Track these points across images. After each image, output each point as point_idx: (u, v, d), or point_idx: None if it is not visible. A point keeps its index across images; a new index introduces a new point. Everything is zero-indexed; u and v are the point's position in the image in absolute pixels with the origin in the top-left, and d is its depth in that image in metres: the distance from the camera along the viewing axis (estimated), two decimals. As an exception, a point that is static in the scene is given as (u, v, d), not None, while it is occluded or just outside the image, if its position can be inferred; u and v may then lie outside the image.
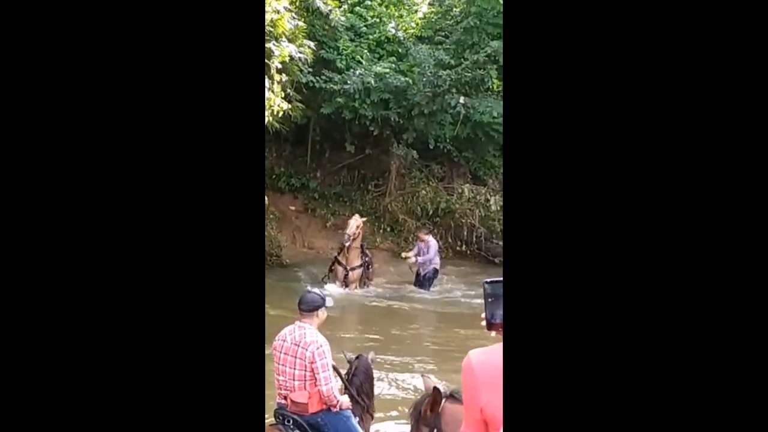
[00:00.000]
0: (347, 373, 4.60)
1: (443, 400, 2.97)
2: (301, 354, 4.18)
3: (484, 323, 1.88)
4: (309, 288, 4.65)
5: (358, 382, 4.57)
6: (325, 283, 10.67)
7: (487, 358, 1.80)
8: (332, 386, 4.20)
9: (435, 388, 2.85)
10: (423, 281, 11.32)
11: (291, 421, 4.20)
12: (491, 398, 1.73)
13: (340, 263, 10.93)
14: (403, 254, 11.76)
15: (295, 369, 4.20)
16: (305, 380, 4.19)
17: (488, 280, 1.88)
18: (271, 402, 4.38)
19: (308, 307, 4.31)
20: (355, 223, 10.87)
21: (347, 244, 10.70)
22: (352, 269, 10.85)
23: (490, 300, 1.86)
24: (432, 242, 11.47)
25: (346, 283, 10.85)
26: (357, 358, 4.71)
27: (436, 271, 11.42)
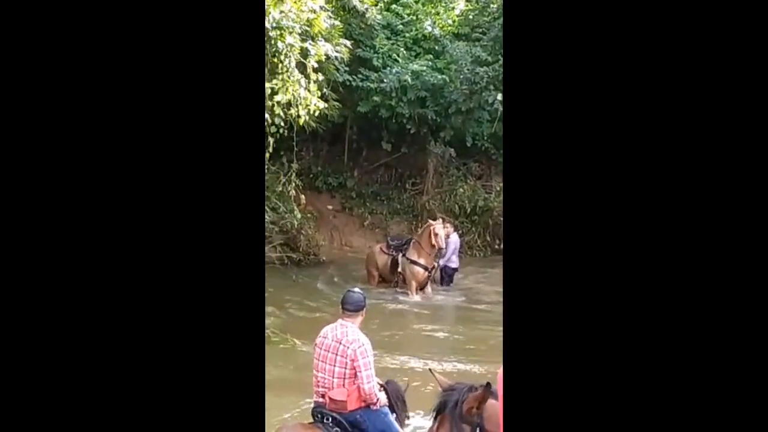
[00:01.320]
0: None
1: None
2: (342, 351, 4.17)
3: None
4: (351, 289, 4.59)
5: (393, 390, 4.53)
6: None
7: None
8: (374, 384, 4.20)
9: (487, 385, 2.81)
10: (443, 278, 10.90)
11: (330, 419, 4.19)
12: None
13: (418, 264, 10.12)
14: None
15: (335, 366, 4.19)
16: (344, 378, 4.18)
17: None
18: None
19: (354, 307, 4.30)
20: (445, 231, 10.16)
21: (442, 250, 10.04)
22: (433, 269, 10.25)
23: None
24: (450, 241, 10.74)
25: (422, 286, 10.20)
26: (387, 383, 4.61)
27: (453, 270, 10.94)
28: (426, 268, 10.14)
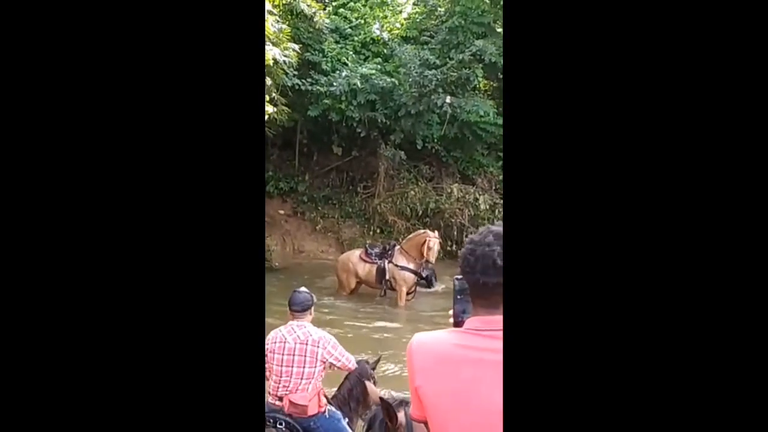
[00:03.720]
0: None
1: (401, 411, 2.71)
2: (311, 352, 4.19)
3: (451, 320, 1.86)
4: (297, 289, 4.62)
5: (349, 386, 4.54)
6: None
7: (427, 342, 1.76)
8: (353, 360, 4.44)
9: (381, 401, 2.64)
10: (429, 280, 10.65)
11: (284, 424, 4.17)
12: (423, 383, 1.71)
13: (408, 269, 9.90)
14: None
15: (304, 367, 4.18)
16: (313, 377, 4.20)
17: (458, 276, 1.85)
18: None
19: (301, 307, 4.33)
20: (434, 242, 9.90)
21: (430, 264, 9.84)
22: (419, 274, 10.07)
23: (459, 297, 1.83)
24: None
25: (410, 291, 10.02)
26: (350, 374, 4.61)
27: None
28: (416, 273, 9.93)
